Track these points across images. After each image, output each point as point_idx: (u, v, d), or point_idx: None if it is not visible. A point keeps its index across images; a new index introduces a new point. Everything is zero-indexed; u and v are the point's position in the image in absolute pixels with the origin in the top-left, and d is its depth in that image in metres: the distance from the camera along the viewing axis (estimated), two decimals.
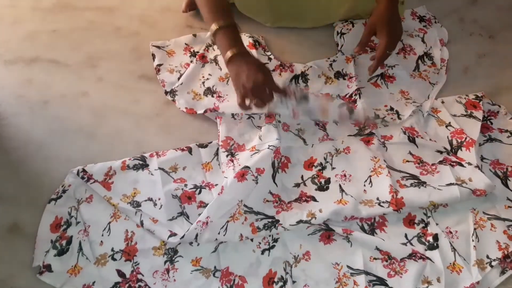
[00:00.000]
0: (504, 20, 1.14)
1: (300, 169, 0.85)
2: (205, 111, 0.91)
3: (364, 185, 0.82)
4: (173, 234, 0.74)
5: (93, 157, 0.86)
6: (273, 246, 0.76)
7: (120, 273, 0.73)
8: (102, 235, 0.76)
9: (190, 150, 0.87)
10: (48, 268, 0.72)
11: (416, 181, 0.82)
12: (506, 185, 0.83)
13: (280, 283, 0.72)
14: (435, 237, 0.76)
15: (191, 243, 0.75)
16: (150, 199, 0.80)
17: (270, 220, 0.77)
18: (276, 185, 0.82)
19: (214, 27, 0.83)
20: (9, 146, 0.88)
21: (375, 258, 0.75)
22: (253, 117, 0.92)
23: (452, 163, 0.83)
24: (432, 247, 0.76)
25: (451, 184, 0.80)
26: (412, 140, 0.87)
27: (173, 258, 0.75)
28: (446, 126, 0.91)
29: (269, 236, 0.77)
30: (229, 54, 0.82)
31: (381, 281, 0.73)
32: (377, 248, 0.75)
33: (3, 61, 1.02)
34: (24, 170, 0.85)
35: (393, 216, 0.79)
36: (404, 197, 0.78)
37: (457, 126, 0.90)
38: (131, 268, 0.74)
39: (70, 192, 0.80)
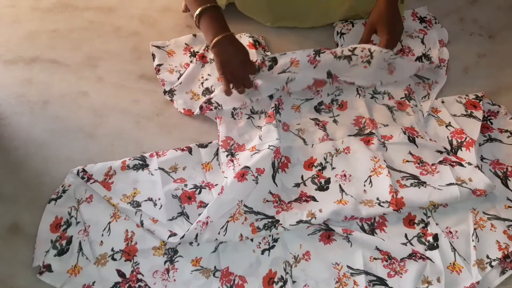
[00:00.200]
0: (504, 20, 1.14)
1: (300, 169, 0.85)
2: (201, 107, 0.91)
3: (364, 185, 0.82)
4: (173, 234, 0.74)
5: (93, 157, 0.86)
6: (273, 246, 0.76)
7: (120, 273, 0.73)
8: (102, 235, 0.76)
9: (190, 150, 0.87)
10: (48, 268, 0.72)
11: (416, 181, 0.82)
12: (506, 185, 0.83)
13: (280, 283, 0.72)
14: (435, 237, 0.76)
15: (191, 243, 0.75)
16: (150, 199, 0.80)
17: (270, 220, 0.77)
18: (276, 185, 0.82)
19: (197, 11, 0.84)
20: (9, 146, 0.88)
21: (375, 258, 0.75)
22: (253, 117, 0.92)
23: (452, 163, 0.84)
24: (432, 247, 0.76)
25: (451, 184, 0.80)
26: (412, 140, 0.87)
27: (173, 258, 0.75)
28: (446, 126, 0.91)
29: (269, 236, 0.77)
30: (214, 40, 0.84)
31: (381, 281, 0.73)
32: (377, 248, 0.75)
33: (3, 61, 1.02)
34: (24, 170, 0.85)
35: (393, 216, 0.79)
36: (404, 197, 0.78)
37: (457, 126, 0.90)
38: (131, 268, 0.74)
39: (70, 192, 0.80)
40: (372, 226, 0.78)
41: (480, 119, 0.90)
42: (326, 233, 0.77)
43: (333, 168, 0.85)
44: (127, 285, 0.72)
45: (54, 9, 1.14)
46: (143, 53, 1.05)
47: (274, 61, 0.92)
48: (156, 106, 0.95)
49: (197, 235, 0.74)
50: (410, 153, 0.86)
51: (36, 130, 0.91)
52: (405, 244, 0.76)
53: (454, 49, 1.05)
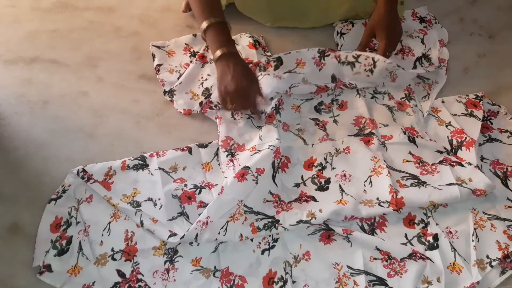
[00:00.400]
0: (504, 20, 1.14)
1: (300, 169, 0.85)
2: (200, 103, 0.92)
3: (364, 185, 0.82)
4: (173, 234, 0.74)
5: (93, 157, 0.86)
6: (273, 246, 0.76)
7: (120, 273, 0.73)
8: (102, 235, 0.76)
9: (190, 150, 0.87)
10: (48, 268, 0.72)
11: (416, 181, 0.82)
12: (506, 185, 0.83)
13: (280, 283, 0.72)
14: (435, 237, 0.76)
15: (191, 243, 0.75)
16: (150, 199, 0.80)
17: (270, 220, 0.77)
18: (276, 185, 0.82)
19: (204, 24, 0.83)
20: (9, 146, 0.88)
21: (375, 258, 0.75)
22: (253, 117, 0.92)
23: (452, 163, 0.83)
24: (432, 247, 0.76)
25: (451, 184, 0.80)
26: (412, 140, 0.87)
27: (173, 258, 0.75)
28: (446, 126, 0.91)
29: (269, 236, 0.77)
30: (218, 53, 0.83)
31: (381, 281, 0.73)
32: (377, 248, 0.75)
33: (3, 61, 1.02)
34: (24, 170, 0.85)
35: (393, 216, 0.79)
36: (404, 197, 0.78)
37: (457, 126, 0.90)
38: (131, 268, 0.73)
39: (70, 192, 0.80)
40: (372, 226, 0.78)
41: (480, 119, 0.90)
42: (326, 233, 0.77)
43: (333, 168, 0.85)
44: (127, 285, 0.72)
45: (54, 9, 1.14)
46: (143, 53, 1.05)
47: (279, 61, 0.93)
48: (156, 106, 0.95)
49: (197, 235, 0.74)
50: (410, 153, 0.86)
51: (36, 130, 0.91)
52: (405, 244, 0.76)
53: (454, 49, 1.05)
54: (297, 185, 0.83)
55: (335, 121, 0.92)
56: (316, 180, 0.83)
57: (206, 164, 0.86)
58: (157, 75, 1.00)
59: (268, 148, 0.83)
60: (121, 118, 0.93)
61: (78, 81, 0.99)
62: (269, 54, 1.04)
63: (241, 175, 0.78)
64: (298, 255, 0.75)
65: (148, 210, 0.78)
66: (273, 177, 0.82)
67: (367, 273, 0.73)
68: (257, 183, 0.78)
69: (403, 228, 0.78)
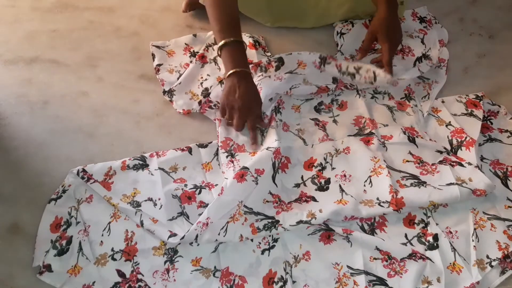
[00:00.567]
0: (504, 20, 1.14)
1: (300, 169, 0.85)
2: (199, 102, 0.92)
3: (364, 185, 0.82)
4: (173, 234, 0.74)
5: (93, 157, 0.86)
6: (273, 246, 0.76)
7: (120, 273, 0.73)
8: (102, 235, 0.76)
9: (190, 150, 0.87)
10: (48, 268, 0.72)
11: (416, 181, 0.82)
12: (506, 185, 0.83)
13: (280, 283, 0.72)
14: (435, 237, 0.76)
15: (191, 243, 0.75)
16: (150, 199, 0.80)
17: (270, 220, 0.77)
18: (276, 185, 0.82)
19: (221, 42, 0.85)
20: (9, 146, 0.88)
21: (375, 258, 0.75)
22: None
23: (452, 163, 0.83)
24: (432, 247, 0.76)
25: (451, 184, 0.80)
26: (412, 140, 0.87)
27: (173, 258, 0.75)
28: (446, 125, 0.91)
29: (269, 236, 0.77)
30: (232, 70, 0.84)
31: (381, 281, 0.73)
32: (377, 248, 0.75)
33: (3, 61, 1.02)
34: (24, 170, 0.85)
35: (393, 216, 0.79)
36: (404, 197, 0.78)
37: (457, 125, 0.90)
38: (131, 268, 0.73)
39: (70, 192, 0.80)
40: (372, 226, 0.78)
41: (480, 119, 0.90)
42: (326, 233, 0.77)
43: (333, 168, 0.85)
44: (127, 285, 0.72)
45: (54, 9, 1.14)
46: (143, 53, 1.05)
47: (281, 61, 0.93)
48: (156, 106, 0.95)
49: (197, 235, 0.73)
50: (410, 153, 0.86)
51: (36, 130, 0.91)
52: (405, 244, 0.76)
53: (454, 49, 1.05)
54: (297, 185, 0.83)
55: (335, 121, 0.92)
56: (316, 180, 0.83)
57: (206, 164, 0.86)
58: (157, 75, 1.00)
59: (267, 149, 0.83)
60: (121, 118, 0.93)
61: (78, 81, 0.99)
62: (269, 54, 1.04)
63: (240, 176, 0.78)
64: (298, 255, 0.75)
65: (148, 210, 0.78)
66: (273, 178, 0.82)
67: (367, 273, 0.73)
68: (257, 183, 0.78)
69: (403, 228, 0.78)
